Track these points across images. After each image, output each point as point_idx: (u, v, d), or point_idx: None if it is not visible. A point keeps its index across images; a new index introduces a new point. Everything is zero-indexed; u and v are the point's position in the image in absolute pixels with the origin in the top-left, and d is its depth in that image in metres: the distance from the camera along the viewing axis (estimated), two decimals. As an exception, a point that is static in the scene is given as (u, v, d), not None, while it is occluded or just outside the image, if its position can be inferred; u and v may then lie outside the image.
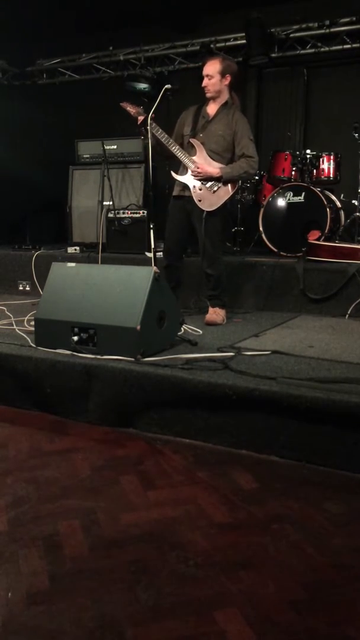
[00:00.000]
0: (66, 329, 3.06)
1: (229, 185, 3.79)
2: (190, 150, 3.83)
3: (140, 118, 3.77)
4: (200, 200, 3.78)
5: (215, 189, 3.76)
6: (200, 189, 3.78)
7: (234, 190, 3.83)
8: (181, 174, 3.87)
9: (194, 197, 3.79)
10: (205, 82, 3.81)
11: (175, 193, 3.94)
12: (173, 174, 3.86)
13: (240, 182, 3.94)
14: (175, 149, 3.76)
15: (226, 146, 3.81)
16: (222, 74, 3.78)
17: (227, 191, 3.80)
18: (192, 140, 3.81)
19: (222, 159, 3.80)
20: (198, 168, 3.74)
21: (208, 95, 3.83)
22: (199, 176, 3.75)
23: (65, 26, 6.67)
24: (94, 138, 6.26)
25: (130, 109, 3.84)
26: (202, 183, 3.77)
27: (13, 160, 6.71)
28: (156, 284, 3.02)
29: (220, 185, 3.77)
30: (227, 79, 3.80)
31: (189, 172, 3.80)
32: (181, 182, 3.85)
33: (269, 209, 5.14)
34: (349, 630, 1.45)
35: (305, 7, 6.20)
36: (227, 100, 3.85)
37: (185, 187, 3.85)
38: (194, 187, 3.79)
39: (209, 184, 3.77)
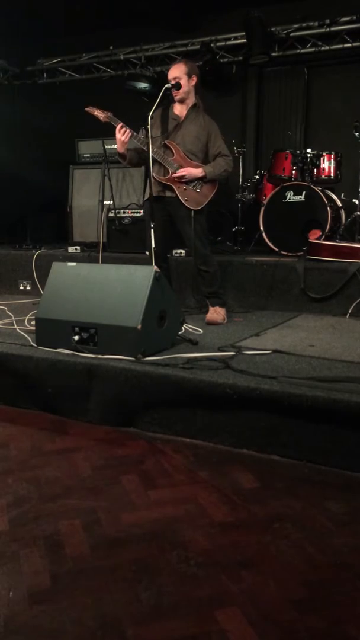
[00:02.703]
0: (67, 329, 3.06)
1: (209, 183, 3.83)
2: (165, 151, 3.83)
3: (124, 130, 3.67)
4: (187, 200, 3.79)
5: (200, 188, 3.80)
6: (185, 189, 3.80)
7: (216, 187, 3.88)
8: (160, 175, 3.84)
9: (180, 197, 3.79)
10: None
11: (154, 194, 3.85)
12: (155, 175, 3.83)
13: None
14: (155, 152, 3.74)
15: (201, 147, 3.85)
16: (189, 75, 3.80)
17: (210, 189, 3.85)
18: (169, 142, 3.82)
19: (197, 159, 3.84)
20: (182, 170, 3.76)
21: (177, 97, 3.82)
22: (184, 179, 3.76)
23: (65, 26, 6.67)
24: (94, 137, 6.26)
25: (99, 113, 3.78)
26: (185, 183, 3.79)
27: (13, 160, 6.72)
28: (157, 284, 3.02)
29: (203, 184, 3.81)
30: (194, 80, 3.83)
31: (169, 173, 3.79)
32: (161, 183, 3.84)
33: (270, 208, 5.14)
34: (349, 629, 1.45)
35: (305, 6, 6.19)
36: (196, 102, 3.88)
37: (165, 187, 3.85)
38: (179, 187, 3.80)
39: (193, 183, 3.79)
